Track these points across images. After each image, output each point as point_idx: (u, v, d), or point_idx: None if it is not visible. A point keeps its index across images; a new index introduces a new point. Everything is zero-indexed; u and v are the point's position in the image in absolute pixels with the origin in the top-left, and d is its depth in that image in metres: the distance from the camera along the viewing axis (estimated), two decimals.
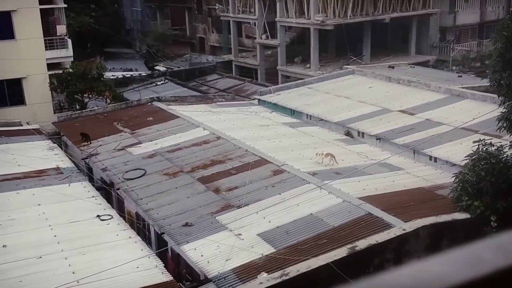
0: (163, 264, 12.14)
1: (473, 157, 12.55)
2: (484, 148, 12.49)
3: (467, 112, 19.65)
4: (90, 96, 28.05)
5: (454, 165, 15.49)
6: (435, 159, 16.78)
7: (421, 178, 15.69)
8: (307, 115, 22.97)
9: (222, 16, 43.19)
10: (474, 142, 12.90)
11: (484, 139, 12.89)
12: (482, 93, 21.28)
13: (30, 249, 12.65)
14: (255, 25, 40.17)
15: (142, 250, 12.66)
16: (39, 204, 15.38)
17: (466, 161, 12.98)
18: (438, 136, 17.40)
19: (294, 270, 10.71)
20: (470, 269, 0.72)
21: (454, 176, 13.23)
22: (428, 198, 13.98)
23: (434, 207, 13.19)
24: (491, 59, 14.80)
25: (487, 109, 16.59)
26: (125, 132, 21.85)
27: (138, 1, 55.34)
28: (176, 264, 13.59)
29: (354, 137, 20.33)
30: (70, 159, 19.78)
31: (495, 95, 15.18)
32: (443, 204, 13.35)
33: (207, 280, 11.38)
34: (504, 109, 12.45)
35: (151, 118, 23.12)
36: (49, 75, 27.23)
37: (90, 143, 20.80)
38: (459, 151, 15.55)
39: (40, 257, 12.29)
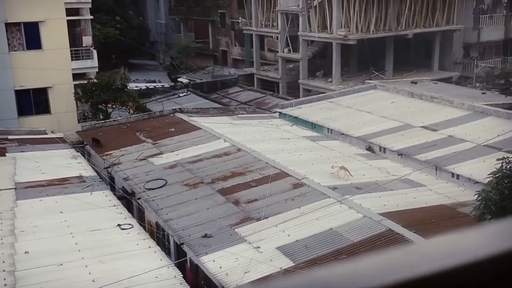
0: (182, 275, 12.18)
1: (496, 175, 12.37)
2: (508, 166, 12.31)
3: (491, 129, 19.42)
4: (114, 106, 28.42)
5: (477, 182, 15.29)
6: (458, 176, 16.59)
7: (443, 195, 15.52)
8: (328, 129, 22.93)
9: (245, 30, 43.50)
10: (498, 159, 12.72)
11: (508, 157, 12.72)
12: (506, 110, 21.04)
13: (51, 256, 12.81)
14: (277, 38, 40.36)
15: (161, 260, 12.72)
16: (61, 212, 15.59)
17: (489, 179, 12.80)
18: (461, 153, 17.23)
19: None
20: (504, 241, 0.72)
21: (476, 194, 13.05)
22: (450, 216, 13.82)
23: (456, 225, 13.03)
24: None
25: (511, 127, 16.38)
26: (147, 142, 22.07)
27: (162, 14, 56.10)
28: (194, 275, 13.62)
29: (376, 152, 20.22)
30: (92, 168, 20.03)
31: None
32: (465, 222, 13.18)
33: None
34: None
35: (173, 129, 23.32)
36: (74, 85, 27.69)
37: (102, 147, 21.57)
38: (482, 169, 15.35)
39: (61, 264, 12.43)
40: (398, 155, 19.19)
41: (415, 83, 29.61)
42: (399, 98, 25.51)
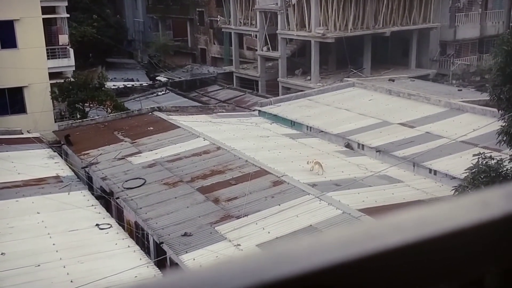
0: (162, 274, 12.11)
1: (472, 170, 12.55)
2: (484, 162, 12.50)
3: (467, 125, 19.70)
4: (91, 105, 28.11)
5: (454, 178, 15.50)
6: (435, 172, 16.80)
7: (421, 190, 15.71)
8: (307, 126, 23.03)
9: (223, 28, 43.41)
10: (474, 155, 12.91)
11: (484, 153, 12.91)
12: (482, 107, 21.35)
13: (29, 257, 12.63)
14: (256, 37, 40.37)
15: (140, 259, 12.64)
16: (38, 212, 15.37)
17: (466, 174, 12.99)
18: (438, 149, 17.44)
19: None
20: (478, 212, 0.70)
21: (453, 189, 13.23)
22: None
23: None
24: (491, 73, 14.88)
25: (487, 123, 16.64)
26: (125, 141, 21.88)
27: (140, 12, 55.65)
28: None
29: (354, 149, 20.36)
30: (70, 167, 19.79)
31: (495, 109, 15.25)
32: None
33: None
34: (504, 123, 12.49)
35: (151, 128, 23.16)
36: (51, 84, 27.29)
37: (71, 144, 21.91)
38: (459, 164, 15.57)
39: (39, 265, 12.27)
40: (377, 151, 19.36)
41: (393, 80, 29.89)
42: (377, 96, 25.73)
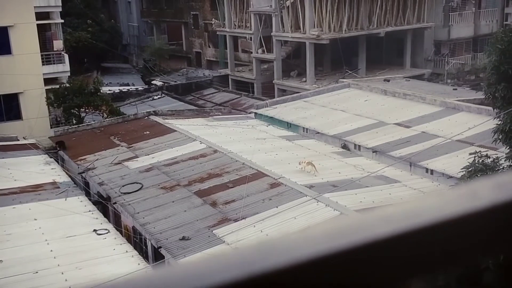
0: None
1: (469, 169, 12.57)
2: (480, 160, 12.53)
3: (463, 124, 19.75)
4: (87, 110, 28.08)
5: (451, 177, 15.53)
6: (432, 172, 16.82)
7: (418, 190, 15.72)
8: (304, 128, 23.04)
9: (218, 31, 43.41)
10: (470, 154, 12.94)
11: (480, 151, 12.94)
12: (477, 105, 21.42)
13: (27, 264, 12.59)
14: (251, 39, 40.38)
15: (139, 264, 12.62)
16: (35, 219, 15.33)
17: (462, 173, 13.02)
18: (434, 149, 17.47)
19: None
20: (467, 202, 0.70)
21: (450, 188, 13.24)
22: None
23: None
24: (485, 72, 14.93)
25: (482, 122, 16.68)
26: (121, 146, 21.86)
27: (134, 16, 55.64)
28: None
29: (351, 150, 20.39)
30: (66, 173, 19.74)
31: (490, 108, 15.31)
32: None
33: None
34: (500, 121, 12.52)
35: (147, 132, 23.15)
36: (46, 90, 27.24)
37: (66, 149, 22.16)
38: (455, 163, 15.60)
39: (37, 272, 12.23)
40: (373, 152, 19.38)
41: (388, 80, 29.95)
42: (372, 96, 25.77)
